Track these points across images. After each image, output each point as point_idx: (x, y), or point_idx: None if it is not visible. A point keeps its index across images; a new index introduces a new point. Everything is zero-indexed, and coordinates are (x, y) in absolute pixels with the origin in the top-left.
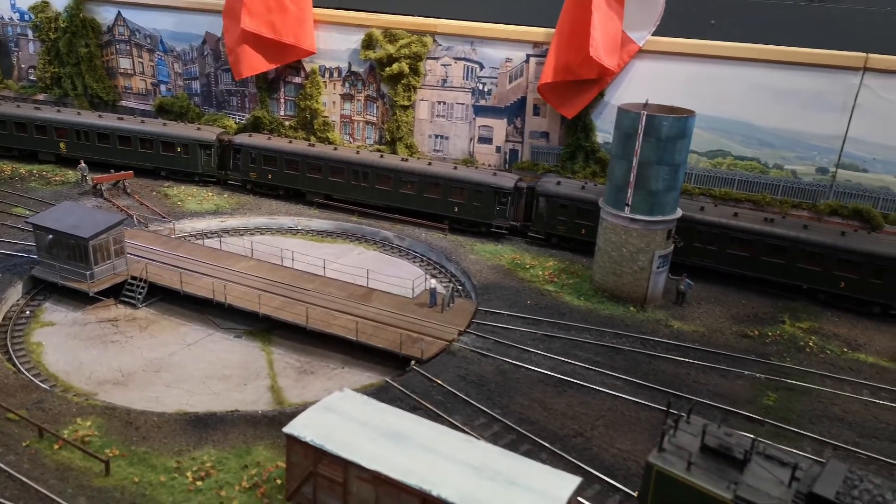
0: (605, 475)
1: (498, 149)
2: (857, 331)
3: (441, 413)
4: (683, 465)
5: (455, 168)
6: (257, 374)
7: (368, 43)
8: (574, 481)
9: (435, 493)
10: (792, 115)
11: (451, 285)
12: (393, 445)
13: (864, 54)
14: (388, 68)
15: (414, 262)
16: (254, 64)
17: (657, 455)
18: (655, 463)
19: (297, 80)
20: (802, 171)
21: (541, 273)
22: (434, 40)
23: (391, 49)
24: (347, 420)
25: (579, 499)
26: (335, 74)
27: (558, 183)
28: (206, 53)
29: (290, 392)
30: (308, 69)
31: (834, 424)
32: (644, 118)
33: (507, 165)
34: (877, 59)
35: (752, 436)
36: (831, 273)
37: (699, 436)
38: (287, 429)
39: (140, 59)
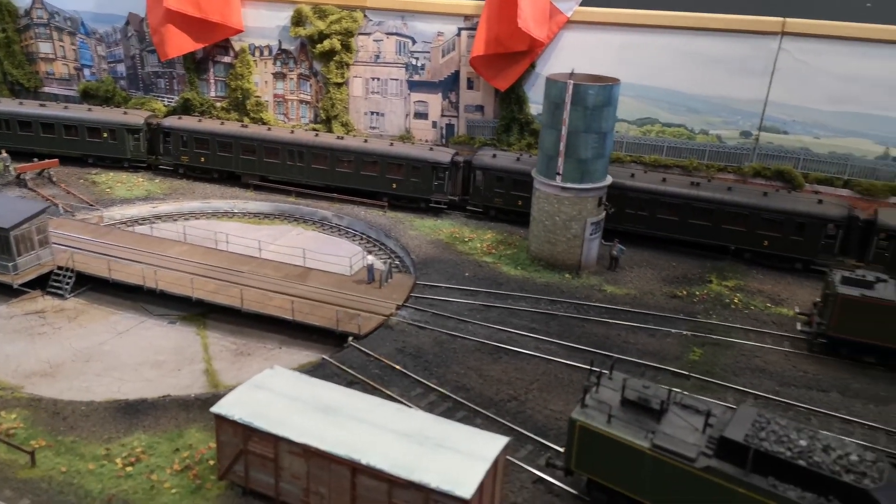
0: (537, 435)
1: (434, 124)
2: (781, 286)
3: (378, 386)
4: (604, 418)
5: (391, 144)
6: (192, 358)
7: (298, 20)
8: (501, 441)
9: (364, 461)
10: (716, 81)
11: (389, 261)
12: (323, 418)
13: (781, 19)
14: (319, 45)
15: (354, 240)
16: (180, 44)
17: (580, 411)
18: (578, 418)
19: (227, 59)
20: (727, 136)
21: (479, 245)
22: (365, 15)
23: (321, 25)
24: (277, 396)
25: (508, 457)
26: (265, 53)
27: (494, 156)
28: (130, 35)
29: (225, 374)
30: (237, 48)
31: (756, 375)
32: (571, 87)
33: (443, 140)
34: (793, 22)
35: (667, 387)
36: (755, 233)
37: (620, 390)
38: (215, 408)
39: (61, 43)
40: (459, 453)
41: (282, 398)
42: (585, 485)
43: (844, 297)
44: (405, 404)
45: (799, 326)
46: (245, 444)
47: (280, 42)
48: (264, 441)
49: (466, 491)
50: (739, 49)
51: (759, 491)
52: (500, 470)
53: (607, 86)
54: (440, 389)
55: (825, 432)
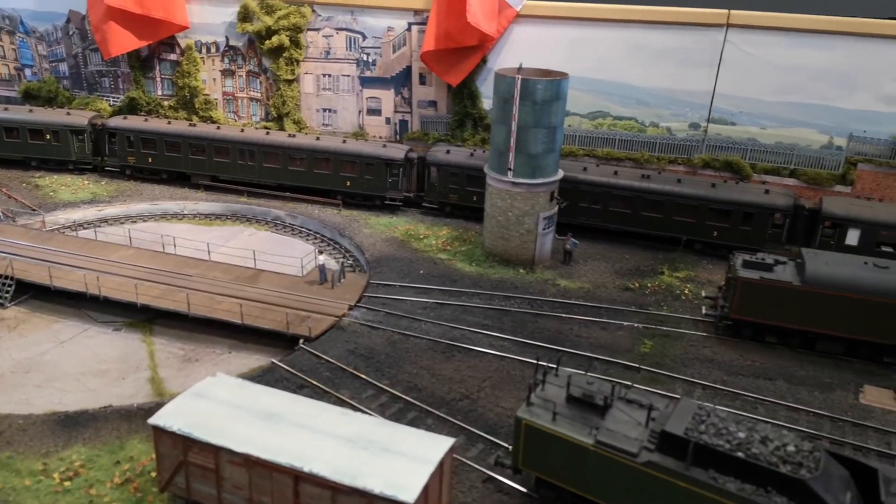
0: (488, 433)
1: (388, 120)
2: None
3: (328, 389)
4: (549, 416)
5: (344, 142)
6: (137, 366)
7: (245, 15)
8: (447, 442)
9: (307, 469)
10: (665, 74)
11: (342, 260)
12: (266, 426)
13: (726, 11)
14: (267, 41)
15: (307, 239)
16: (123, 42)
17: (525, 409)
18: (523, 417)
19: (173, 57)
20: (677, 128)
21: (434, 242)
22: (313, 10)
23: (269, 21)
24: (218, 405)
25: (457, 456)
26: (213, 50)
27: (448, 152)
28: (71, 33)
29: (171, 382)
30: (183, 45)
31: (704, 366)
32: (519, 82)
33: (397, 136)
34: (738, 14)
35: (612, 382)
36: (704, 224)
37: (565, 387)
38: (152, 420)
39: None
40: (404, 457)
41: (223, 406)
42: (534, 482)
43: (744, 280)
44: (356, 407)
45: (704, 310)
46: (185, 455)
47: (227, 38)
48: (204, 451)
49: (410, 495)
50: (686, 42)
51: (700, 484)
52: (446, 471)
53: (555, 80)
54: (392, 390)
55: (764, 423)
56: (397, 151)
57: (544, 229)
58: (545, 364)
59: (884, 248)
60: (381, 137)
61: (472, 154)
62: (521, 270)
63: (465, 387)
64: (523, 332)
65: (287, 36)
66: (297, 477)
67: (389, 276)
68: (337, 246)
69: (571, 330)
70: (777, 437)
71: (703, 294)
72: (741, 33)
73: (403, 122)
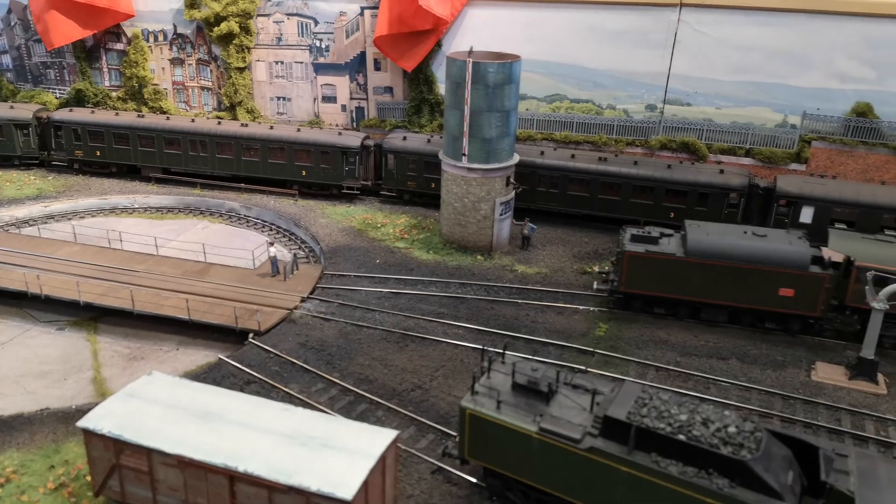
0: (439, 424)
1: (343, 107)
2: None
3: (277, 384)
4: (493, 404)
5: (299, 130)
6: (80, 366)
7: (192, 2)
8: (389, 435)
9: (241, 468)
10: (620, 56)
11: (294, 251)
12: (201, 426)
13: None
14: (216, 28)
15: (263, 231)
16: (66, 32)
17: (469, 398)
18: (467, 406)
19: (119, 46)
20: (634, 110)
21: (392, 231)
22: None
23: (217, 7)
24: (151, 405)
25: (407, 448)
26: (160, 38)
27: (404, 138)
28: (13, 24)
29: (115, 382)
30: (130, 34)
31: (658, 347)
32: (470, 66)
33: (354, 124)
34: None
35: (557, 368)
36: (661, 205)
37: (510, 374)
38: (82, 422)
39: None
40: (344, 452)
41: (156, 406)
42: (483, 472)
43: (630, 254)
44: (305, 402)
45: (595, 285)
46: (117, 458)
47: (175, 26)
48: (137, 454)
49: (348, 492)
50: (640, 22)
51: (642, 468)
52: (390, 465)
53: (507, 63)
54: (342, 383)
55: (707, 404)
56: (353, 139)
57: (501, 215)
58: (493, 350)
59: (837, 226)
60: (337, 125)
61: (429, 140)
62: (479, 257)
63: (417, 377)
64: (479, 320)
65: (236, 22)
66: (232, 477)
67: (345, 266)
68: (292, 237)
69: (528, 315)
70: (718, 419)
71: (597, 269)
72: (694, 13)
73: (360, 109)
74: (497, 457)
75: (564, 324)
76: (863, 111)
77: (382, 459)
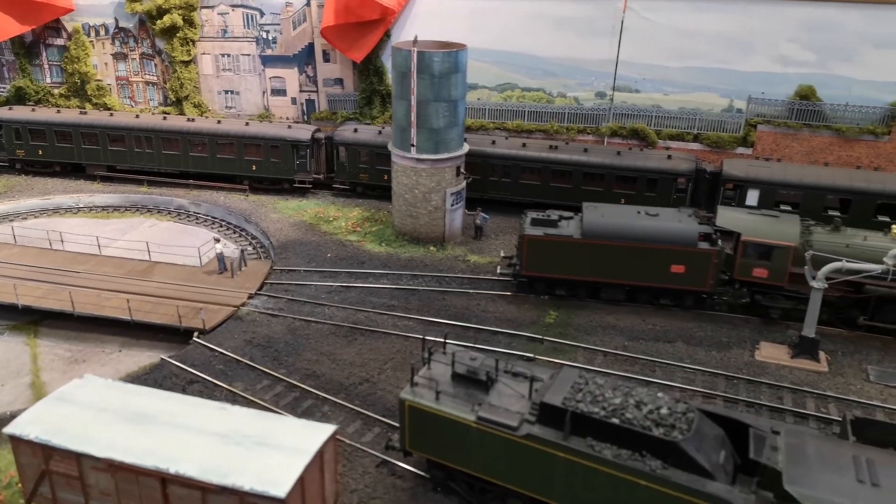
0: (385, 417)
1: (293, 100)
2: None
3: (220, 383)
4: (432, 395)
5: (247, 124)
6: (18, 371)
7: None
8: (327, 430)
9: (173, 470)
10: (569, 44)
11: (242, 247)
12: (133, 428)
13: None
14: (159, 21)
15: (212, 228)
16: (4, 27)
17: (409, 390)
18: (406, 398)
19: (60, 41)
20: (584, 98)
21: (344, 224)
22: None
23: (159, 0)
24: (82, 409)
25: (351, 441)
26: (102, 32)
27: (356, 130)
28: None
29: (54, 386)
30: (70, 29)
31: (607, 333)
32: (415, 55)
33: (305, 117)
34: None
35: (495, 357)
36: (612, 191)
37: (450, 364)
38: (8, 429)
39: None
40: (279, 450)
41: (87, 410)
42: (426, 463)
43: (529, 238)
44: (249, 400)
45: (499, 270)
46: (46, 463)
47: (117, 20)
48: (66, 459)
49: (281, 490)
50: (587, 10)
51: (578, 453)
52: (328, 460)
53: (452, 52)
54: (288, 380)
55: (640, 388)
56: (303, 132)
57: (453, 205)
58: (436, 339)
59: (782, 207)
60: (287, 119)
61: (380, 132)
62: (432, 248)
63: (365, 370)
64: (429, 311)
65: (179, 15)
66: (164, 479)
67: (295, 261)
68: (243, 233)
69: (478, 305)
70: (651, 401)
71: (503, 254)
72: (640, 0)
73: (310, 102)
74: (438, 447)
75: (515, 312)
76: (806, 94)
77: (320, 455)
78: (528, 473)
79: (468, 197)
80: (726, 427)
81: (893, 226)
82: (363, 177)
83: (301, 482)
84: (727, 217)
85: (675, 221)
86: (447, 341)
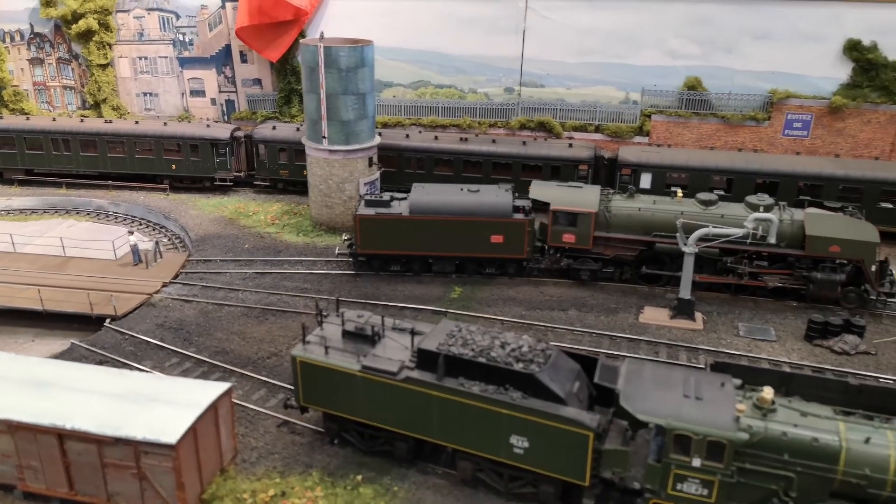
0: (290, 384)
1: (213, 101)
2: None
3: (130, 362)
4: (322, 351)
5: (165, 124)
6: None
7: (48, 0)
8: (221, 387)
9: (69, 426)
10: (476, 42)
11: (156, 239)
12: (31, 393)
13: None
14: (74, 26)
15: (132, 226)
16: None
17: (301, 348)
18: (298, 354)
19: None
20: (493, 93)
21: (263, 218)
22: None
23: (74, 4)
24: None
25: (255, 406)
26: (17, 38)
27: (274, 128)
28: None
29: None
30: None
31: (507, 304)
32: (322, 50)
33: (225, 117)
34: None
35: (380, 316)
36: (519, 179)
37: (341, 324)
38: None
39: None
40: (173, 405)
41: None
42: (322, 418)
43: (362, 217)
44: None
45: (337, 250)
46: None
47: (32, 25)
48: None
49: (172, 437)
50: (491, 9)
51: (451, 391)
52: (224, 415)
53: (358, 47)
54: (197, 356)
55: (508, 333)
56: (222, 131)
57: (367, 195)
58: (322, 308)
59: (672, 188)
60: (207, 119)
61: (298, 129)
62: (347, 236)
63: (274, 346)
64: (341, 293)
65: (95, 19)
66: (61, 435)
67: (212, 252)
68: (162, 230)
69: (388, 285)
70: (514, 342)
71: (344, 236)
72: (541, 0)
73: (230, 102)
74: (329, 400)
75: (423, 291)
76: (693, 85)
77: (214, 409)
78: (410, 415)
79: (385, 189)
80: (590, 367)
81: (678, 190)
82: (283, 173)
83: (193, 432)
84: (539, 190)
85: (493, 196)
86: (339, 307)
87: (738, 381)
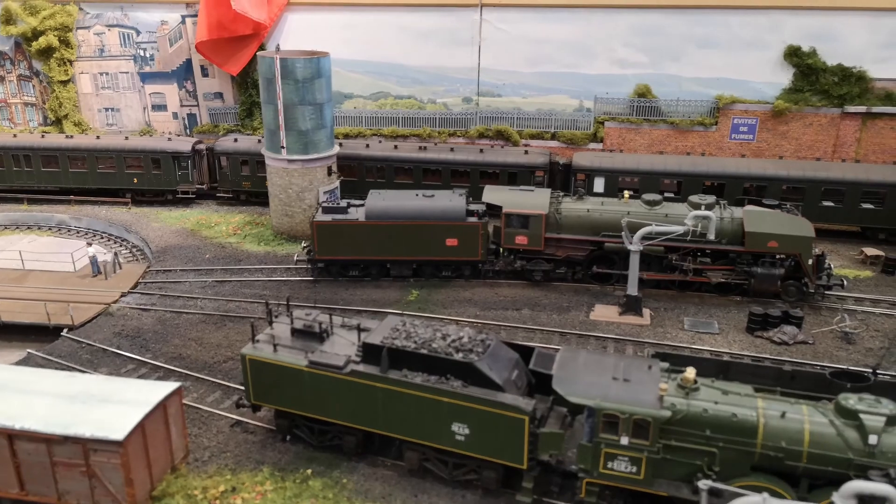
0: (243, 386)
1: (175, 115)
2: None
3: (86, 370)
4: (271, 349)
5: (127, 139)
6: None
7: (8, 17)
8: (170, 387)
9: (18, 426)
10: (433, 53)
11: (115, 250)
12: None
13: None
14: (35, 43)
15: (94, 240)
16: None
17: (250, 346)
18: (247, 353)
19: None
20: (452, 103)
21: (225, 229)
22: (80, 8)
23: (34, 22)
24: None
25: (209, 408)
26: None
27: (236, 140)
28: None
29: None
30: None
31: (462, 305)
32: (278, 61)
33: (187, 131)
34: None
35: (329, 314)
36: (477, 185)
37: (290, 323)
38: None
39: None
40: (122, 404)
41: None
42: (274, 415)
43: (318, 224)
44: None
45: (296, 257)
46: None
47: None
48: None
49: (120, 434)
50: (447, 22)
51: (394, 382)
52: (174, 414)
53: (314, 58)
54: (153, 362)
55: (450, 325)
56: (184, 144)
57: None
58: (278, 303)
59: (625, 191)
60: (169, 133)
61: (259, 140)
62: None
63: (231, 350)
64: (299, 299)
65: (55, 36)
66: (11, 435)
67: (172, 262)
68: (124, 242)
69: (347, 290)
70: (455, 333)
71: (304, 244)
72: (494, 12)
73: (192, 116)
74: (279, 397)
75: (380, 295)
76: (642, 93)
77: (163, 408)
78: (357, 409)
79: (348, 199)
80: (529, 357)
81: (625, 191)
82: (246, 185)
83: (142, 429)
84: (492, 194)
85: (447, 200)
86: (289, 306)
87: (665, 365)
